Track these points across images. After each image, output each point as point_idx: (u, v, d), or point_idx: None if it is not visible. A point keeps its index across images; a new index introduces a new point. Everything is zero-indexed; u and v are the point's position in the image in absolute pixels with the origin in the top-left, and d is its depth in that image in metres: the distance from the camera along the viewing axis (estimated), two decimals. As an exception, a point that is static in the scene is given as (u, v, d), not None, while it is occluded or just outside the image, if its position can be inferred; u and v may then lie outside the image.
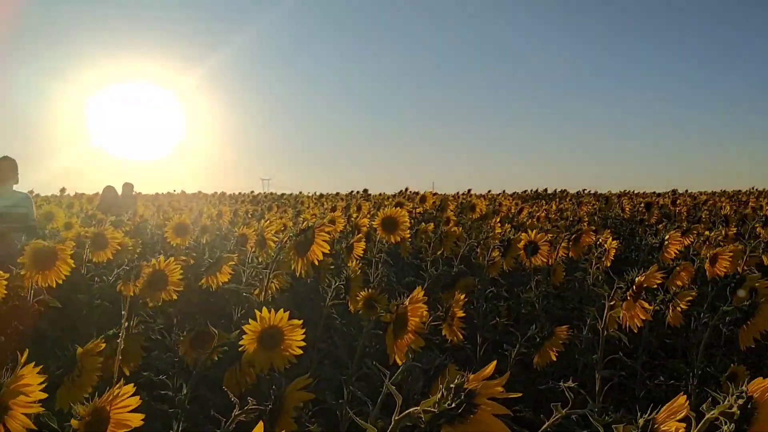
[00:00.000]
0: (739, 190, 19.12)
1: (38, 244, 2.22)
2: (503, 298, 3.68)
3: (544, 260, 3.55)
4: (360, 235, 3.01)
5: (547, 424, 1.51)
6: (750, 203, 8.46)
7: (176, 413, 1.66)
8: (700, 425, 1.04)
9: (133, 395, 1.09)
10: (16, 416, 1.06)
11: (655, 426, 1.04)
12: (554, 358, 2.54)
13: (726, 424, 1.02)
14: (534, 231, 3.66)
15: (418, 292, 1.66)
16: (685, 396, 1.06)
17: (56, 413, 1.20)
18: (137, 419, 1.09)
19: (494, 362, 1.00)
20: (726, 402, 1.02)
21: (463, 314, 2.43)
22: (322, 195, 19.54)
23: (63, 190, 15.34)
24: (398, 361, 1.68)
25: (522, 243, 3.55)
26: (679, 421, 1.04)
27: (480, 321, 3.28)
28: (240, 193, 22.29)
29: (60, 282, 2.26)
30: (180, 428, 1.64)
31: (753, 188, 19.21)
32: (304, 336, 1.67)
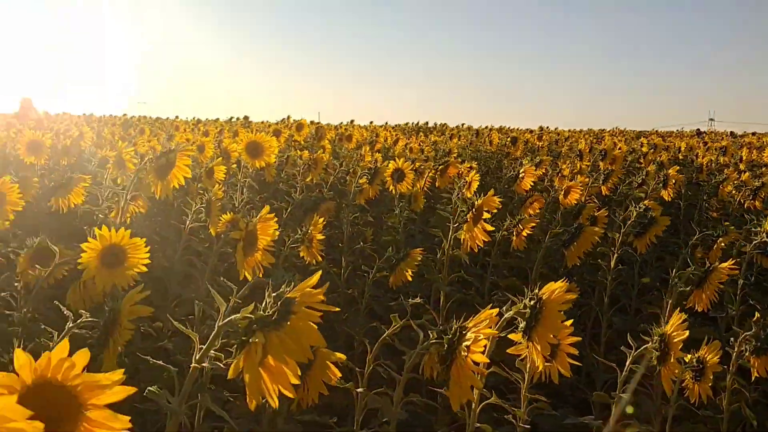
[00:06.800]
0: (604, 129, 20.47)
1: None
2: (369, 223, 3.80)
3: (409, 187, 3.69)
4: (220, 159, 2.98)
5: (386, 334, 1.63)
6: (605, 140, 9.11)
7: (16, 331, 1.63)
8: (500, 323, 1.18)
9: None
10: None
11: (464, 331, 1.16)
12: (410, 278, 2.69)
13: (520, 321, 1.17)
14: (401, 159, 3.77)
15: (266, 211, 1.70)
16: (496, 308, 1.18)
17: None
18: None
19: (318, 273, 1.03)
20: (520, 303, 1.16)
21: (323, 237, 2.51)
22: (199, 120, 18.80)
23: None
24: (248, 277, 1.73)
25: (389, 171, 3.67)
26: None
27: (345, 245, 3.39)
28: (111, 116, 20.93)
29: None
30: (22, 345, 1.62)
31: (616, 128, 20.65)
32: (148, 255, 1.67)
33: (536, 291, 1.16)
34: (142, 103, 49.14)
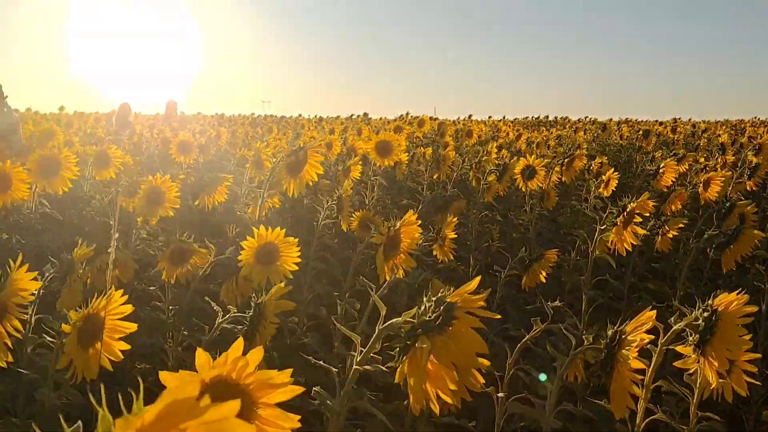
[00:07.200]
0: (742, 120, 18.96)
1: (44, 151, 2.28)
2: (497, 221, 3.73)
3: (540, 185, 3.58)
4: (357, 158, 3.03)
5: (527, 337, 1.58)
6: (747, 132, 8.42)
7: (174, 323, 1.73)
8: (668, 335, 1.10)
9: (125, 304, 1.14)
10: (12, 319, 1.12)
11: (623, 336, 1.10)
12: (543, 280, 2.60)
13: (691, 334, 1.08)
14: (533, 156, 3.67)
15: (410, 215, 1.70)
16: (654, 311, 1.11)
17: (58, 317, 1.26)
18: (131, 326, 1.14)
19: (478, 278, 1.00)
20: (692, 315, 1.07)
21: (455, 236, 2.49)
22: (322, 118, 19.38)
23: (62, 108, 15.03)
24: (388, 279, 1.74)
25: (519, 168, 3.58)
26: (648, 333, 1.10)
27: (473, 243, 3.35)
28: (240, 115, 22.08)
29: (65, 190, 2.33)
30: (180, 336, 1.72)
31: (756, 118, 19.05)
32: (299, 252, 1.73)
33: (710, 302, 1.07)
34: (267, 102, 51.21)
